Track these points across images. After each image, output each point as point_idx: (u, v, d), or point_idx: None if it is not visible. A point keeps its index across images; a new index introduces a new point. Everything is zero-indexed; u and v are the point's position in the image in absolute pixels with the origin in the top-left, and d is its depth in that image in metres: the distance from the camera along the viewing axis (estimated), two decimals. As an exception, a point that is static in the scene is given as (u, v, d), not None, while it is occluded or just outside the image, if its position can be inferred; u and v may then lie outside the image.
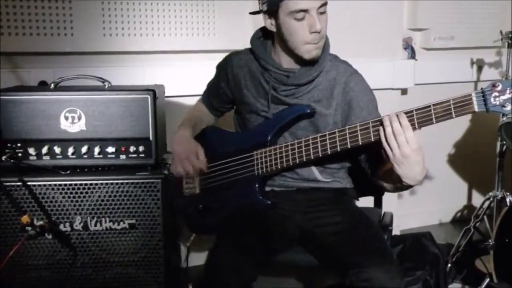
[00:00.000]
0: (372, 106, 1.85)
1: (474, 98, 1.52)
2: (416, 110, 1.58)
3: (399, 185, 1.68)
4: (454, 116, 1.54)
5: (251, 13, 1.89)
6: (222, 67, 2.06)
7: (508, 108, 1.51)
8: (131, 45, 2.56)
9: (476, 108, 1.52)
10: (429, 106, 1.57)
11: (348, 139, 1.69)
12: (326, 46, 1.87)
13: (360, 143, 1.68)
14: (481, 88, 1.53)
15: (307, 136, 1.80)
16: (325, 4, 1.76)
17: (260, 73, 1.93)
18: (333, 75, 1.87)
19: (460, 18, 3.20)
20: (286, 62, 1.88)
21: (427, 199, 3.45)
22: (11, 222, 1.89)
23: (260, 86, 1.93)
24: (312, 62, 1.84)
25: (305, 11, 1.73)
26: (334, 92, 1.86)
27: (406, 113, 1.59)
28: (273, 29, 1.83)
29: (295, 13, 1.73)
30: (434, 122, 1.57)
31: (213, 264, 1.72)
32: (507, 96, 1.50)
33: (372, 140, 1.65)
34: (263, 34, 1.95)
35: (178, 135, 2.04)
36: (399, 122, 1.57)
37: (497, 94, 1.51)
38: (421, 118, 1.57)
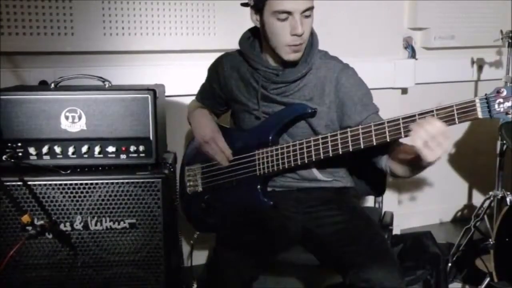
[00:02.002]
0: (366, 99, 1.84)
1: (478, 104, 1.49)
2: (419, 114, 1.56)
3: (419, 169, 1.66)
4: (457, 122, 1.52)
5: (242, 4, 1.88)
6: (213, 69, 2.05)
7: None
8: (131, 44, 2.55)
9: (480, 115, 1.50)
10: (432, 111, 1.54)
11: (356, 140, 1.67)
12: (314, 43, 1.87)
13: (362, 147, 1.66)
14: (485, 94, 1.50)
15: (307, 136, 1.80)
16: (310, 8, 1.75)
17: (250, 74, 1.93)
18: (323, 72, 1.86)
19: (461, 18, 3.20)
20: (274, 60, 1.88)
21: (427, 199, 3.45)
22: (12, 221, 1.89)
23: (251, 87, 1.93)
24: (293, 64, 1.83)
25: (289, 13, 1.72)
26: (326, 90, 1.85)
27: (408, 117, 1.58)
28: (258, 24, 1.83)
29: (279, 13, 1.72)
30: None
31: (215, 264, 1.72)
32: (511, 103, 1.47)
33: (374, 144, 1.64)
34: (252, 34, 1.94)
35: (197, 115, 2.05)
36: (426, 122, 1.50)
37: (501, 100, 1.48)
38: None
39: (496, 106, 1.48)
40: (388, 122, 1.62)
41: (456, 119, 1.52)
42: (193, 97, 2.22)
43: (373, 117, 1.78)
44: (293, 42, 1.76)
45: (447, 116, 1.52)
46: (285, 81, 1.86)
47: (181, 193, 2.17)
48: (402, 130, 1.60)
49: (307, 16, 1.75)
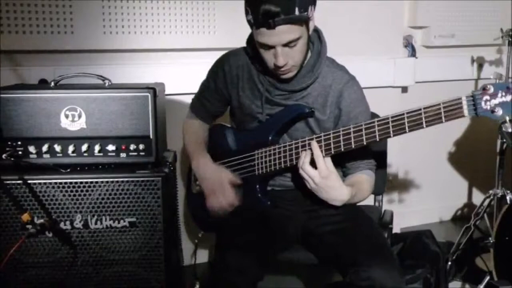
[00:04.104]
0: (361, 118, 1.82)
1: (464, 102, 1.48)
2: (408, 113, 1.57)
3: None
4: (444, 121, 1.51)
5: None
6: (218, 68, 2.01)
7: (499, 113, 1.45)
8: (131, 43, 2.55)
9: (466, 113, 1.48)
10: (420, 109, 1.55)
11: (345, 140, 1.70)
12: (322, 52, 1.85)
13: (353, 147, 1.69)
14: (472, 92, 1.48)
15: (304, 137, 1.80)
16: (294, 40, 1.69)
17: (257, 75, 1.92)
18: (329, 81, 1.85)
19: (461, 16, 3.20)
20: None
21: (427, 197, 3.45)
22: (12, 220, 1.89)
23: (256, 88, 1.92)
24: (287, 80, 1.83)
25: (271, 46, 1.70)
26: (328, 101, 1.85)
27: (397, 116, 1.59)
28: None
29: (261, 44, 1.72)
30: (425, 126, 1.55)
31: (220, 264, 1.72)
32: (498, 100, 1.45)
33: (365, 144, 1.67)
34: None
35: (201, 166, 2.00)
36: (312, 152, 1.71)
37: (488, 97, 1.46)
38: (412, 122, 1.57)
39: (483, 104, 1.46)
40: (378, 121, 1.64)
41: (443, 118, 1.51)
42: (193, 95, 2.20)
43: None
44: (278, 68, 1.76)
45: (435, 114, 1.52)
46: (289, 90, 1.86)
47: (188, 192, 2.17)
48: (391, 129, 1.61)
49: (292, 46, 1.71)
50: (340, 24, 2.85)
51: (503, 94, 1.45)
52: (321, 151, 1.73)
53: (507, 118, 1.47)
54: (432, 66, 3.23)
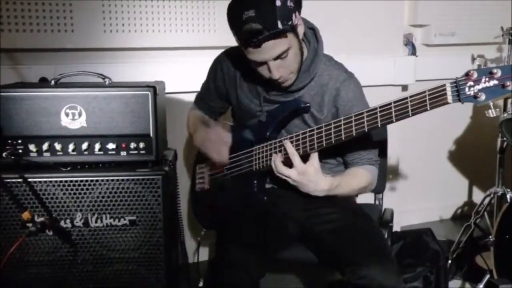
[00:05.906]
0: None
1: (448, 89, 1.48)
2: (395, 102, 1.58)
3: None
4: (428, 108, 1.51)
5: None
6: (217, 66, 2.03)
7: (482, 98, 1.45)
8: (131, 41, 2.55)
9: (450, 100, 1.48)
10: (406, 98, 1.55)
11: (335, 133, 1.71)
12: (318, 51, 1.84)
13: (343, 138, 1.69)
14: (455, 78, 1.47)
15: (298, 131, 1.81)
16: (283, 52, 1.69)
17: (253, 73, 1.91)
18: (325, 80, 1.85)
19: (461, 14, 3.20)
20: None
21: (427, 196, 3.45)
22: (12, 218, 1.89)
23: (254, 87, 1.92)
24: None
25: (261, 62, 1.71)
26: (325, 100, 1.85)
27: (384, 105, 1.59)
28: None
29: (253, 61, 1.72)
30: (410, 115, 1.55)
31: (222, 261, 1.72)
32: (481, 85, 1.44)
33: (354, 135, 1.67)
34: None
35: (199, 138, 2.03)
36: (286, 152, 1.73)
37: (472, 83, 1.45)
38: (398, 110, 1.57)
39: (467, 89, 1.46)
40: (366, 112, 1.64)
41: (428, 105, 1.50)
42: (193, 94, 2.21)
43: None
44: (276, 81, 1.76)
45: (420, 102, 1.52)
46: (287, 90, 1.86)
47: (191, 190, 2.18)
48: (379, 119, 1.61)
49: (283, 58, 1.71)
50: (340, 22, 2.85)
51: (486, 79, 1.44)
52: (313, 144, 1.73)
53: (490, 103, 1.47)
54: (432, 65, 3.23)
